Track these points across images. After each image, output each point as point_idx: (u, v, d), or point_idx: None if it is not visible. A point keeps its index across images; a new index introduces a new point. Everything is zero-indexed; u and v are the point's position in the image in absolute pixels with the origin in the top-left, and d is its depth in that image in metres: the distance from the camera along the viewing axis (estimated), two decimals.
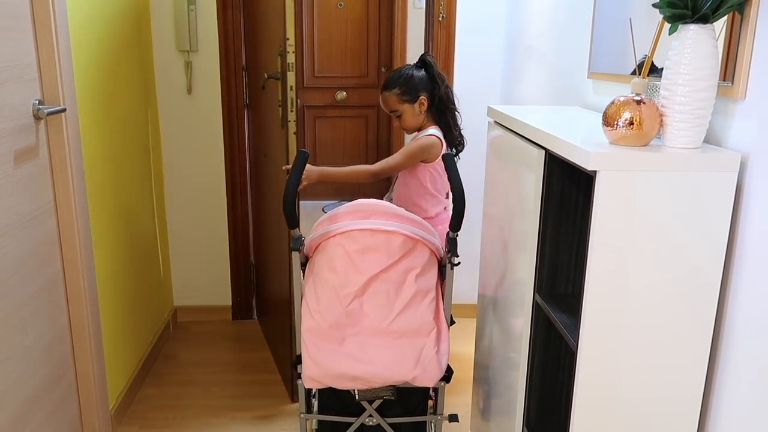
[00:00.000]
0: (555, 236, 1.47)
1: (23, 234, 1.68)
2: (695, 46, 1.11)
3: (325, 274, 1.66)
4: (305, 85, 5.36)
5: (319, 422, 1.91)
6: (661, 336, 1.20)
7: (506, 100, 2.98)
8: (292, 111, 2.21)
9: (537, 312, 1.50)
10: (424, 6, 3.15)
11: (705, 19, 1.11)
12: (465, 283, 3.24)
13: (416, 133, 2.21)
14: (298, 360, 1.72)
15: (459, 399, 2.53)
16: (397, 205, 1.73)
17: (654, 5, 1.16)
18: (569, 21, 2.17)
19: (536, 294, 1.49)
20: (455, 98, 2.23)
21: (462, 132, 2.25)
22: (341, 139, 5.18)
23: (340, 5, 5.20)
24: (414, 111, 2.16)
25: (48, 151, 1.83)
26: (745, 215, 1.14)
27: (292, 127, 2.23)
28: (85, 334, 1.99)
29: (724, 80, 1.18)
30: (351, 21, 5.24)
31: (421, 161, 2.14)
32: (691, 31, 1.12)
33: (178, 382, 2.61)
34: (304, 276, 1.75)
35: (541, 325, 1.51)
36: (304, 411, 1.84)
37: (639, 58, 1.35)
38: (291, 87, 2.19)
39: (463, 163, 3.08)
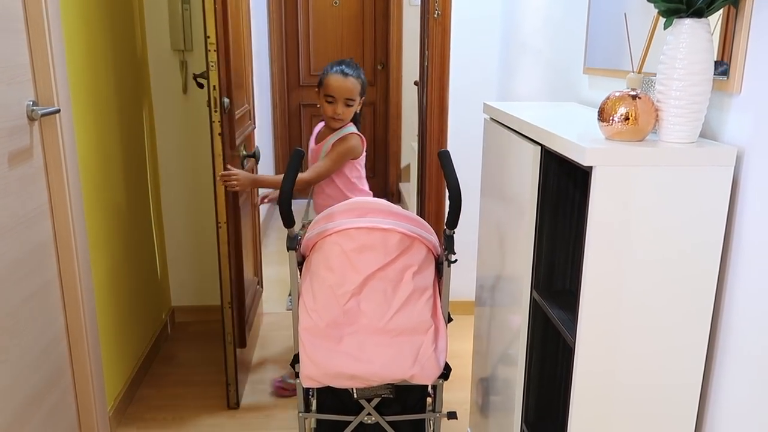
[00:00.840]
0: (552, 232, 1.47)
1: (18, 236, 1.68)
2: (690, 41, 1.11)
3: (322, 273, 1.64)
4: (301, 83, 5.36)
5: (318, 421, 1.91)
6: (659, 331, 1.20)
7: (502, 96, 2.98)
8: (216, 111, 2.18)
9: (534, 308, 1.50)
10: (420, 3, 3.14)
11: (700, 13, 1.10)
12: (462, 280, 3.24)
13: (335, 132, 2.35)
14: (296, 359, 1.72)
15: (457, 396, 2.53)
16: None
17: (649, 0, 1.16)
18: (564, 16, 2.16)
19: (534, 290, 1.49)
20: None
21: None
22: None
23: (335, 3, 5.20)
24: (356, 107, 2.34)
25: (42, 153, 1.82)
26: (741, 209, 1.14)
27: (216, 128, 2.19)
28: (82, 336, 1.99)
29: (719, 74, 1.18)
30: (346, 18, 5.24)
31: (350, 159, 2.35)
32: (686, 25, 1.11)
33: (176, 383, 2.61)
34: (301, 275, 1.75)
35: (538, 321, 1.51)
36: (302, 410, 1.84)
37: (634, 53, 1.35)
38: (214, 87, 2.16)
39: (459, 159, 3.09)
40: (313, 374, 1.66)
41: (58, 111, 1.81)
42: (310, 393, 1.91)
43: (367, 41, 5.28)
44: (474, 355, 2.09)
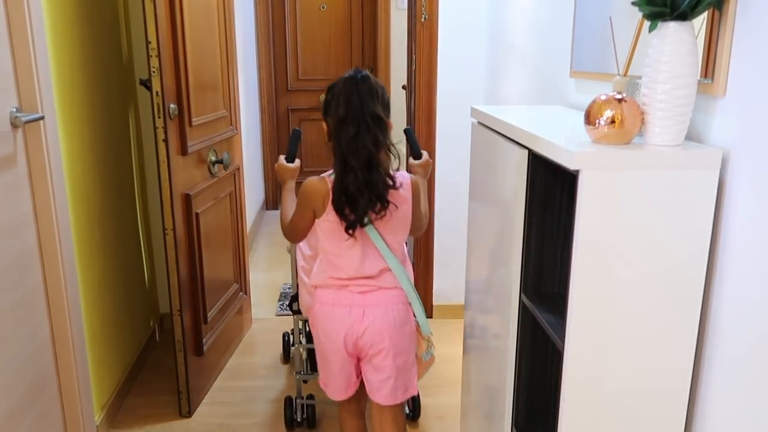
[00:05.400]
0: (540, 236, 1.47)
1: (1, 245, 1.66)
2: (675, 44, 1.12)
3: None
4: (289, 88, 5.35)
5: (308, 351, 2.38)
6: (647, 334, 1.20)
7: (490, 100, 2.99)
8: (159, 117, 2.17)
9: (523, 312, 1.50)
10: (407, 7, 3.14)
11: (684, 16, 1.11)
12: (451, 284, 3.25)
13: None
14: (294, 298, 2.17)
15: (447, 400, 2.53)
16: None
17: (633, 3, 1.16)
18: (551, 20, 2.17)
19: (522, 294, 1.49)
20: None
21: None
22: (326, 142, 5.17)
23: (323, 7, 5.20)
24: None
25: (26, 160, 1.80)
26: (727, 211, 1.15)
27: (160, 134, 2.18)
28: (68, 345, 1.97)
29: (704, 77, 1.18)
30: (334, 23, 5.24)
31: None
32: (671, 28, 1.12)
33: (165, 391, 2.58)
34: None
35: (527, 325, 1.51)
36: (297, 343, 2.34)
37: (620, 56, 1.36)
38: (157, 92, 2.15)
39: (447, 164, 3.10)
40: (311, 305, 1.77)
41: (42, 118, 1.79)
42: (301, 329, 2.33)
43: (354, 45, 5.28)
44: (464, 359, 2.09)
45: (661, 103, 1.15)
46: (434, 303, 3.30)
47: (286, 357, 2.77)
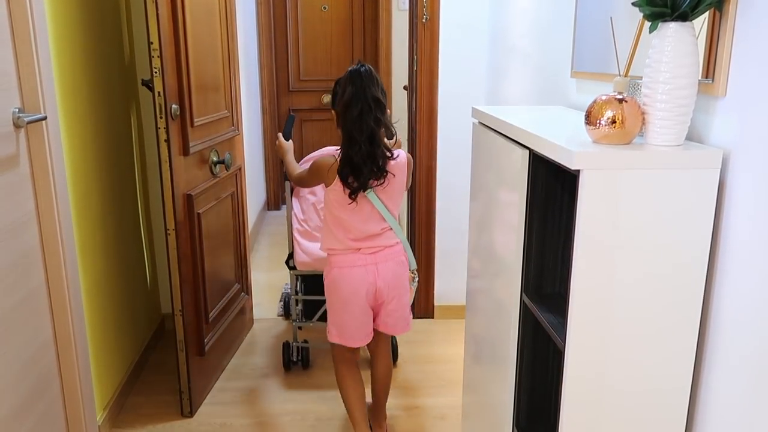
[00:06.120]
0: (541, 236, 1.47)
1: (4, 244, 1.66)
2: (675, 44, 1.12)
3: (307, 195, 2.65)
4: (290, 89, 5.36)
5: (304, 302, 2.74)
6: (648, 333, 1.20)
7: (491, 100, 2.99)
8: (161, 118, 2.17)
9: (525, 312, 1.50)
10: (408, 8, 3.14)
11: (684, 16, 1.11)
12: (453, 285, 3.25)
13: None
14: (290, 256, 2.61)
15: (449, 400, 2.53)
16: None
17: (633, 4, 1.16)
18: (552, 21, 2.17)
19: (523, 294, 1.49)
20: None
21: None
22: (328, 142, 5.17)
23: (324, 8, 5.20)
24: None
25: (29, 160, 1.81)
26: (728, 211, 1.15)
27: (162, 134, 2.19)
28: (70, 345, 1.97)
29: (705, 77, 1.19)
30: (335, 23, 5.24)
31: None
32: (671, 29, 1.12)
33: (167, 390, 2.59)
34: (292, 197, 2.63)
35: (529, 324, 1.51)
36: (294, 294, 2.72)
37: (621, 56, 1.36)
38: (159, 93, 2.15)
39: (448, 163, 3.10)
40: (303, 260, 2.55)
41: (45, 118, 1.79)
42: (298, 281, 2.73)
43: (356, 46, 5.29)
44: (465, 359, 2.09)
45: (662, 103, 1.15)
46: (435, 304, 3.30)
47: (286, 363, 2.79)
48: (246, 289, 3.12)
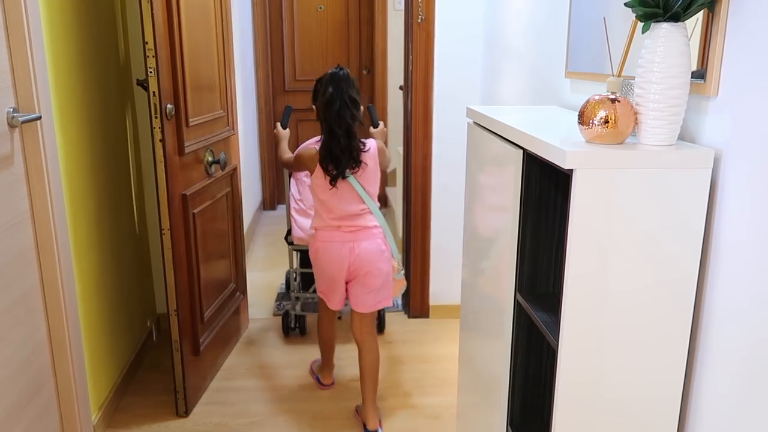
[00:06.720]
0: (535, 236, 1.48)
1: None
2: (667, 45, 1.13)
3: (304, 178, 2.83)
4: (286, 88, 5.36)
5: (301, 275, 3.10)
6: (640, 332, 1.21)
7: (486, 100, 3.00)
8: (156, 118, 2.17)
9: (519, 311, 1.51)
10: (404, 8, 3.15)
11: (676, 17, 1.12)
12: (447, 284, 3.26)
13: None
14: (289, 232, 2.93)
15: (443, 399, 2.53)
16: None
17: (626, 4, 1.17)
18: (546, 21, 2.18)
19: (517, 293, 1.50)
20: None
21: None
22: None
23: (320, 8, 5.20)
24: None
25: (23, 160, 1.80)
26: (719, 210, 1.16)
27: (157, 134, 2.19)
28: (65, 345, 1.97)
29: (697, 78, 1.19)
30: (331, 23, 5.24)
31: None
32: (663, 29, 1.13)
33: (162, 390, 2.59)
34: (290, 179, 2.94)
35: (523, 324, 1.52)
36: (292, 268, 3.04)
37: (614, 56, 1.37)
38: (154, 93, 2.15)
39: (443, 163, 3.11)
40: (299, 235, 2.86)
41: (39, 118, 1.79)
42: (296, 256, 3.04)
43: (352, 46, 5.29)
44: (459, 359, 2.10)
45: (654, 103, 1.16)
46: (430, 303, 3.31)
47: (285, 330, 3.13)
48: (241, 289, 3.12)
